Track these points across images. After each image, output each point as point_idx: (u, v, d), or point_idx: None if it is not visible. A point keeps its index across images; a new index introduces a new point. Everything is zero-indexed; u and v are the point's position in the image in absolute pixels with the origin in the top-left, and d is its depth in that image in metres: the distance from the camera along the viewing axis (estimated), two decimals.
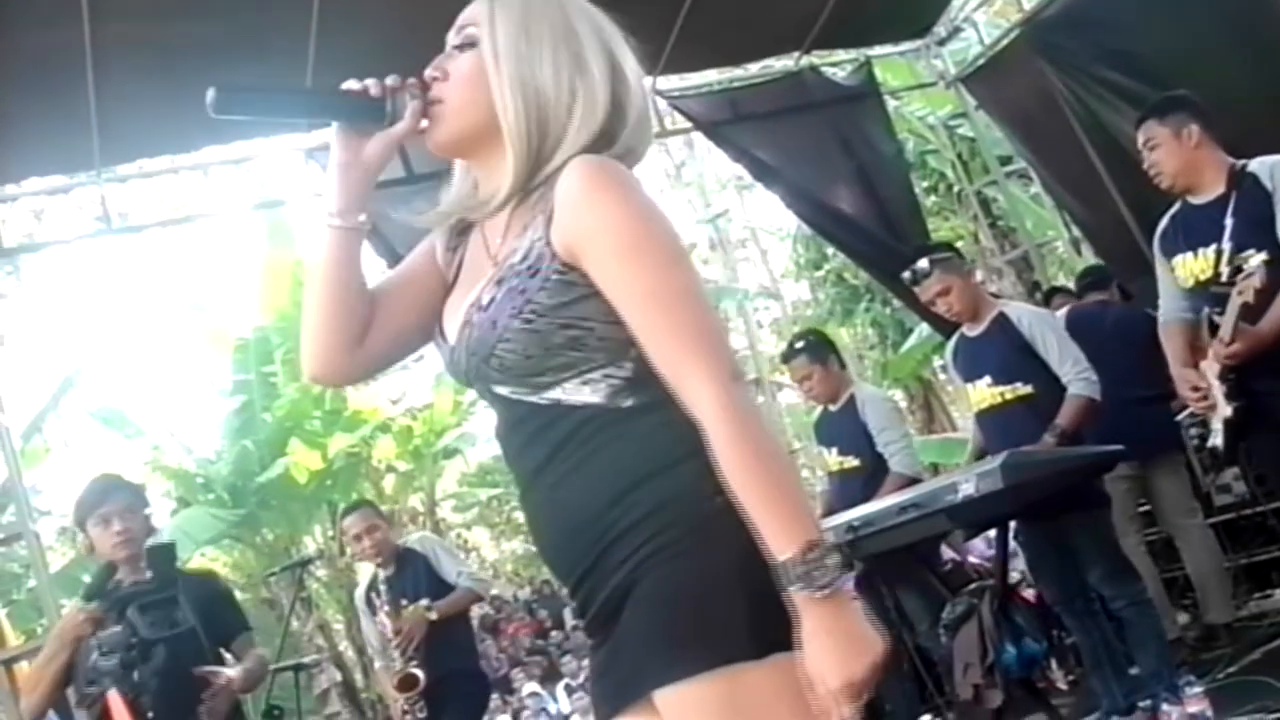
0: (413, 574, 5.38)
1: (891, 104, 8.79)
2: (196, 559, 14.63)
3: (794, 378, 5.70)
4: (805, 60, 7.97)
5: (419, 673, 5.04)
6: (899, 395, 16.01)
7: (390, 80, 1.62)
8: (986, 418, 4.53)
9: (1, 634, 5.91)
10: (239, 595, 15.08)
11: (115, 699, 3.46)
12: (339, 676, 14.77)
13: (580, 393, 1.54)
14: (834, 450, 5.33)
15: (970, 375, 4.58)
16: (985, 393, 4.50)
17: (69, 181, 6.45)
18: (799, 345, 5.48)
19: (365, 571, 6.39)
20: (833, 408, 5.38)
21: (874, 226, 7.84)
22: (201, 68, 5.69)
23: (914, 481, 4.88)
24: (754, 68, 8.12)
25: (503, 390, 1.59)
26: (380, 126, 1.62)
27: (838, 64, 8.25)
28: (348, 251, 1.67)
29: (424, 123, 1.64)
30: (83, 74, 5.50)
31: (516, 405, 1.59)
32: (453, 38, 1.66)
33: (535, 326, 1.52)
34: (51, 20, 5.25)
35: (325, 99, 1.65)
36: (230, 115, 1.54)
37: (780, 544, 1.41)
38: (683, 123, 7.90)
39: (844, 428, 5.27)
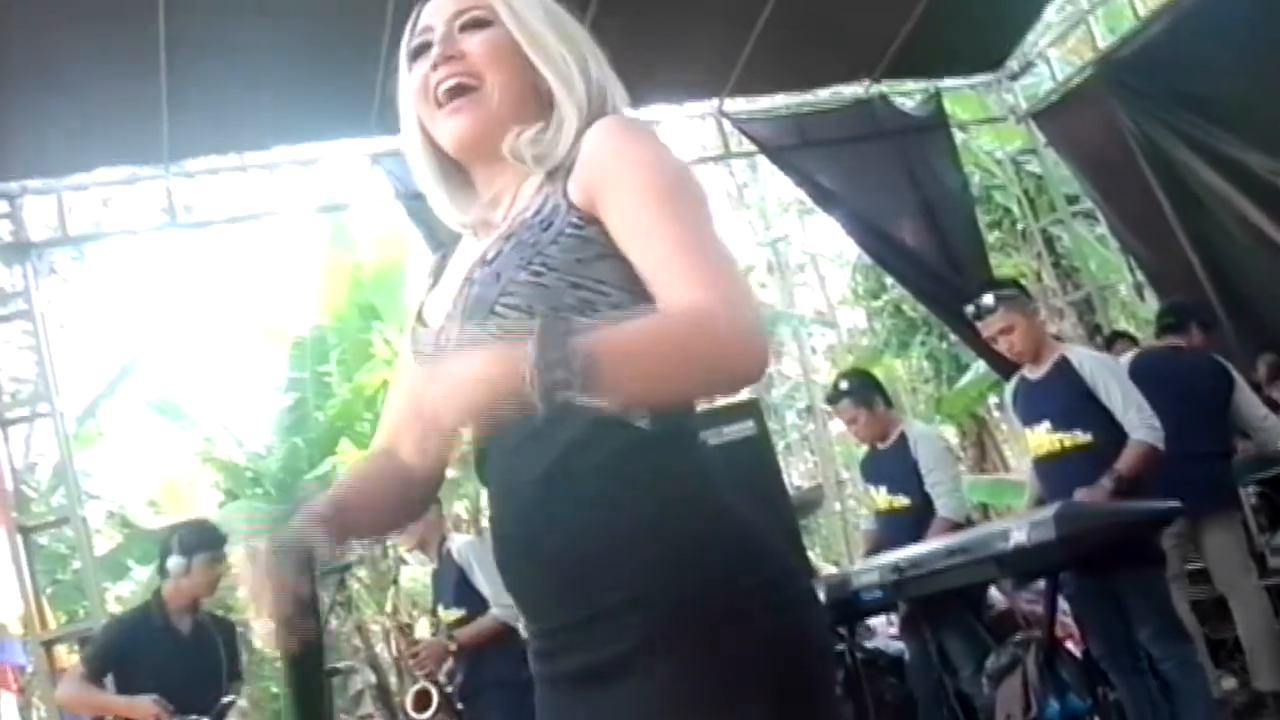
0: (449, 579, 5.34)
1: (959, 136, 8.71)
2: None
3: (841, 419, 5.63)
4: (875, 88, 7.93)
5: (433, 689, 5.01)
6: (951, 432, 15.84)
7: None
8: (1044, 464, 4.44)
9: (43, 616, 5.94)
10: None
11: None
12: (373, 679, 14.80)
13: None
14: (883, 489, 5.25)
15: (1030, 419, 4.50)
16: (1044, 438, 4.41)
17: (137, 173, 6.52)
18: (844, 387, 5.40)
19: (407, 574, 6.39)
20: (881, 445, 5.30)
21: (935, 259, 7.77)
22: (272, 70, 5.76)
23: (960, 525, 4.80)
24: (823, 93, 8.08)
25: None
26: None
27: (907, 94, 8.19)
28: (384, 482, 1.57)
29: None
30: (156, 70, 5.56)
31: None
32: (448, 24, 1.49)
33: (544, 281, 1.34)
34: (129, 16, 5.32)
35: None
36: None
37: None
38: (747, 145, 7.88)
39: (894, 466, 5.19)
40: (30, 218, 6.48)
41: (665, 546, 1.30)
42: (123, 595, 14.32)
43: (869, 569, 4.43)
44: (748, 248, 20.85)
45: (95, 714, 4.51)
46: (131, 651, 4.45)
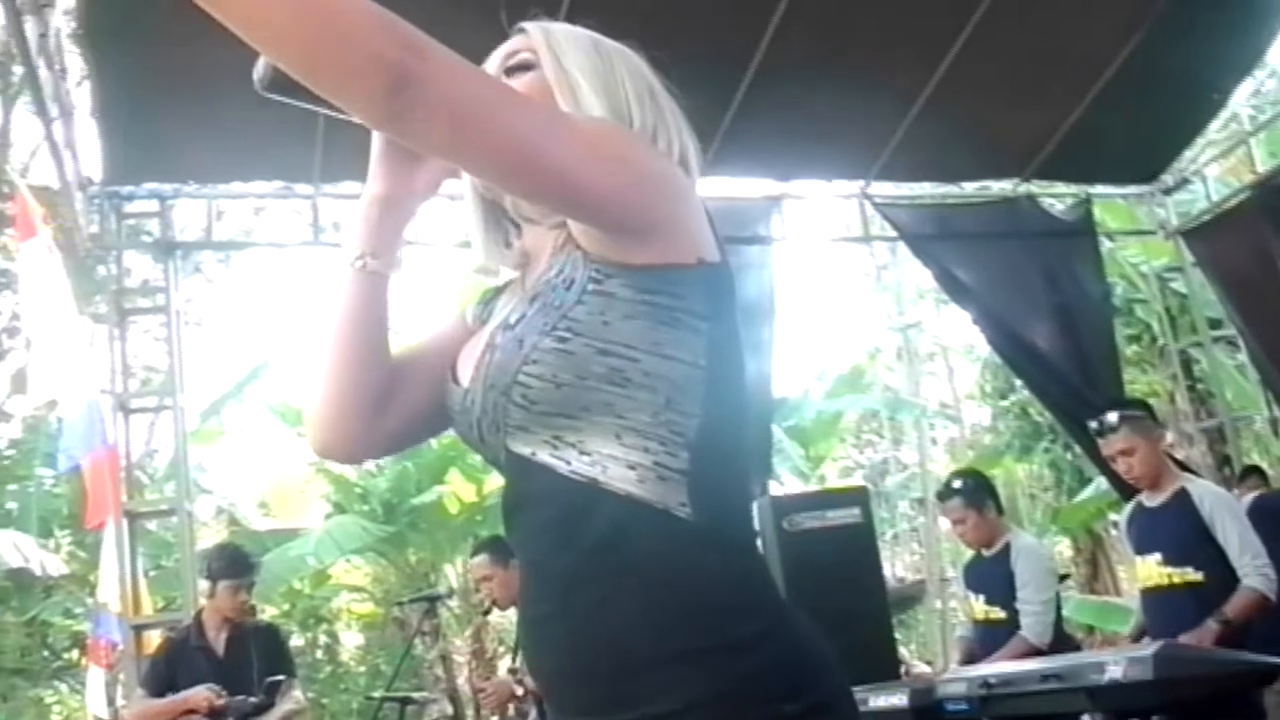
0: None
1: (1106, 245, 8.52)
2: (341, 565, 14.99)
3: (948, 519, 5.50)
4: (1024, 188, 7.82)
5: None
6: (1065, 545, 15.41)
7: None
8: (1151, 597, 4.29)
9: (138, 600, 6.10)
10: (373, 609, 15.39)
11: None
12: (450, 710, 14.84)
13: (624, 478, 1.24)
14: (981, 598, 5.10)
15: (1142, 548, 4.35)
16: (1154, 570, 4.25)
17: (287, 189, 6.71)
18: (956, 485, 5.28)
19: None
20: (986, 552, 5.16)
21: (1067, 367, 7.60)
22: None
23: (1039, 651, 4.64)
24: (969, 186, 8.00)
25: (522, 448, 1.30)
26: None
27: (1057, 196, 8.06)
28: (374, 300, 1.40)
29: None
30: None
31: (537, 473, 1.28)
32: (499, 69, 1.43)
33: (570, 347, 1.25)
34: None
35: None
36: (278, 95, 1.33)
37: None
38: (889, 229, 7.83)
39: (995, 576, 5.04)
40: (181, 218, 6.75)
41: (700, 663, 1.21)
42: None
43: (957, 679, 4.30)
44: (879, 330, 20.69)
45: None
46: (175, 671, 4.86)
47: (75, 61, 5.21)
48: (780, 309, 7.46)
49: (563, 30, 1.44)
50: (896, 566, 21.04)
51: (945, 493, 5.33)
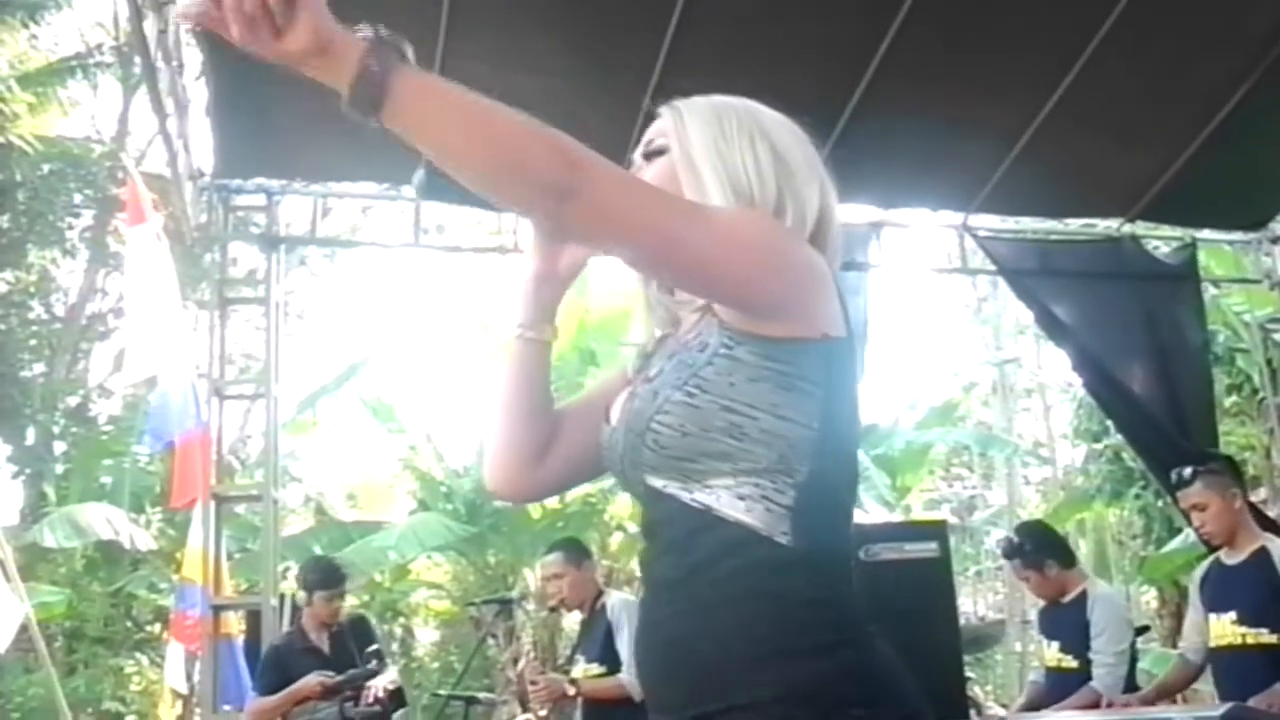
0: (597, 633, 5.37)
1: (1209, 291, 8.34)
2: (422, 561, 15.18)
3: (1015, 575, 5.45)
4: (1127, 228, 7.68)
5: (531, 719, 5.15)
6: (1151, 595, 15.05)
7: None
8: (1222, 656, 4.21)
9: (219, 581, 6.25)
10: (450, 606, 15.56)
11: None
12: (519, 711, 14.94)
13: (734, 506, 1.42)
14: (1055, 644, 5.05)
15: (1216, 606, 4.27)
16: (1227, 629, 4.18)
17: (390, 190, 6.84)
18: (1016, 542, 5.23)
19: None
20: (1063, 599, 5.08)
21: (1161, 413, 7.44)
22: (531, 114, 5.98)
23: (1108, 703, 4.56)
24: (1072, 224, 7.88)
25: (655, 480, 1.48)
26: None
27: (1162, 238, 7.90)
28: (535, 364, 1.65)
29: None
30: None
31: (665, 501, 1.47)
32: (638, 156, 1.62)
33: (696, 402, 1.43)
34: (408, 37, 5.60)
35: None
36: (436, 198, 1.60)
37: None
38: (988, 262, 7.74)
39: (1069, 624, 4.97)
40: (290, 212, 6.91)
41: (782, 664, 1.36)
42: None
43: None
44: (975, 364, 20.43)
45: (278, 713, 5.32)
46: (287, 671, 5.27)
47: (192, 56, 5.37)
48: (874, 335, 7.42)
49: (693, 110, 1.59)
50: (979, 604, 20.73)
51: (1008, 550, 5.29)
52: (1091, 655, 4.81)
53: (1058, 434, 19.30)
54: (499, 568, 15.19)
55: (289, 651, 5.41)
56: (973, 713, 13.62)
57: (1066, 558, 5.21)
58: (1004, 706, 14.20)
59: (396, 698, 5.32)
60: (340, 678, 5.03)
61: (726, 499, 1.42)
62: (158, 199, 7.14)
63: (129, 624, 14.01)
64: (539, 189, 1.30)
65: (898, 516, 19.11)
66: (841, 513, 1.51)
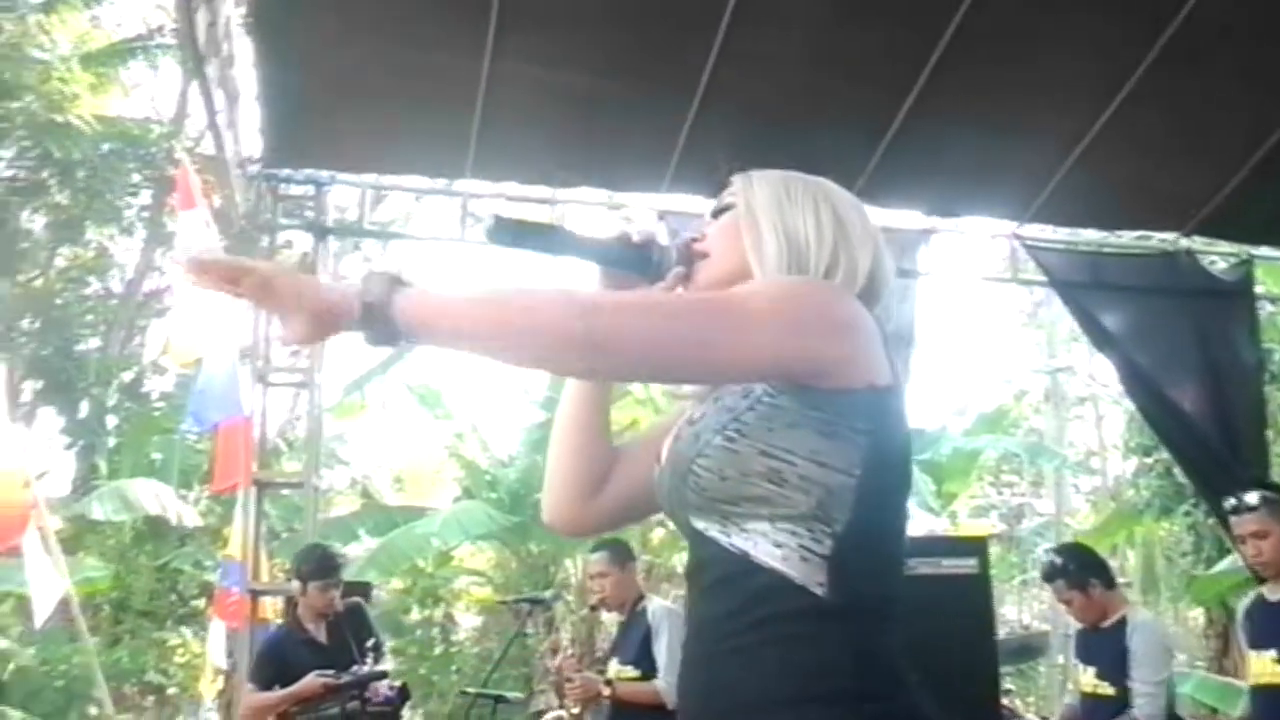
0: (635, 637, 5.34)
1: (1265, 309, 8.19)
2: (465, 547, 15.25)
3: (1057, 598, 5.36)
4: (1183, 242, 7.56)
5: (563, 715, 5.13)
6: (1199, 614, 14.81)
7: (655, 231, 1.68)
8: (1263, 694, 4.13)
9: (258, 566, 6.31)
10: (491, 594, 15.63)
11: None
12: (556, 703, 15.01)
13: (771, 554, 1.45)
14: (1091, 670, 4.94)
15: (1259, 643, 4.18)
16: (1270, 667, 4.09)
17: (446, 185, 6.86)
18: (1058, 563, 5.14)
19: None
20: (1103, 624, 4.99)
21: (1211, 433, 7.31)
22: (582, 113, 5.98)
23: None
24: (1125, 236, 7.76)
25: (698, 522, 1.52)
26: (643, 277, 1.64)
27: (1217, 254, 7.76)
28: (593, 401, 1.70)
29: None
30: (473, 99, 5.85)
31: (706, 544, 1.51)
32: (712, 211, 1.71)
33: (736, 447, 1.46)
34: (458, 48, 5.62)
35: (592, 243, 1.67)
36: (504, 244, 1.61)
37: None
38: (1038, 272, 7.64)
39: (1107, 650, 4.87)
40: (344, 198, 6.96)
41: (806, 710, 1.40)
42: (352, 554, 15.08)
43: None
44: (1028, 372, 20.22)
45: (277, 711, 5.20)
46: (285, 663, 5.13)
47: (243, 45, 5.41)
48: (921, 339, 7.37)
49: (762, 176, 1.67)
50: (1025, 614, 20.54)
51: (1049, 572, 5.20)
52: (1132, 684, 4.70)
53: (1110, 444, 19.07)
54: (541, 557, 15.23)
55: (286, 643, 5.30)
56: None
57: (1109, 578, 5.12)
58: (1044, 719, 14.09)
59: (403, 693, 5.28)
60: (345, 679, 4.92)
61: (764, 546, 1.45)
62: (212, 182, 7.20)
63: (174, 598, 14.19)
64: (565, 346, 1.37)
65: (944, 523, 18.99)
66: (884, 563, 1.52)
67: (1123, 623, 4.88)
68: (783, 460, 1.44)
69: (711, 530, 1.50)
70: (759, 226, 1.59)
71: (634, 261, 1.64)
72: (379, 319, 1.35)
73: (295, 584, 5.48)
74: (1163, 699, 4.73)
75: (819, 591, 1.42)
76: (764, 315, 1.43)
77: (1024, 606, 20.61)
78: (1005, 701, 13.44)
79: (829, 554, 1.44)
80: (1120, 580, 17.40)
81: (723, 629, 1.48)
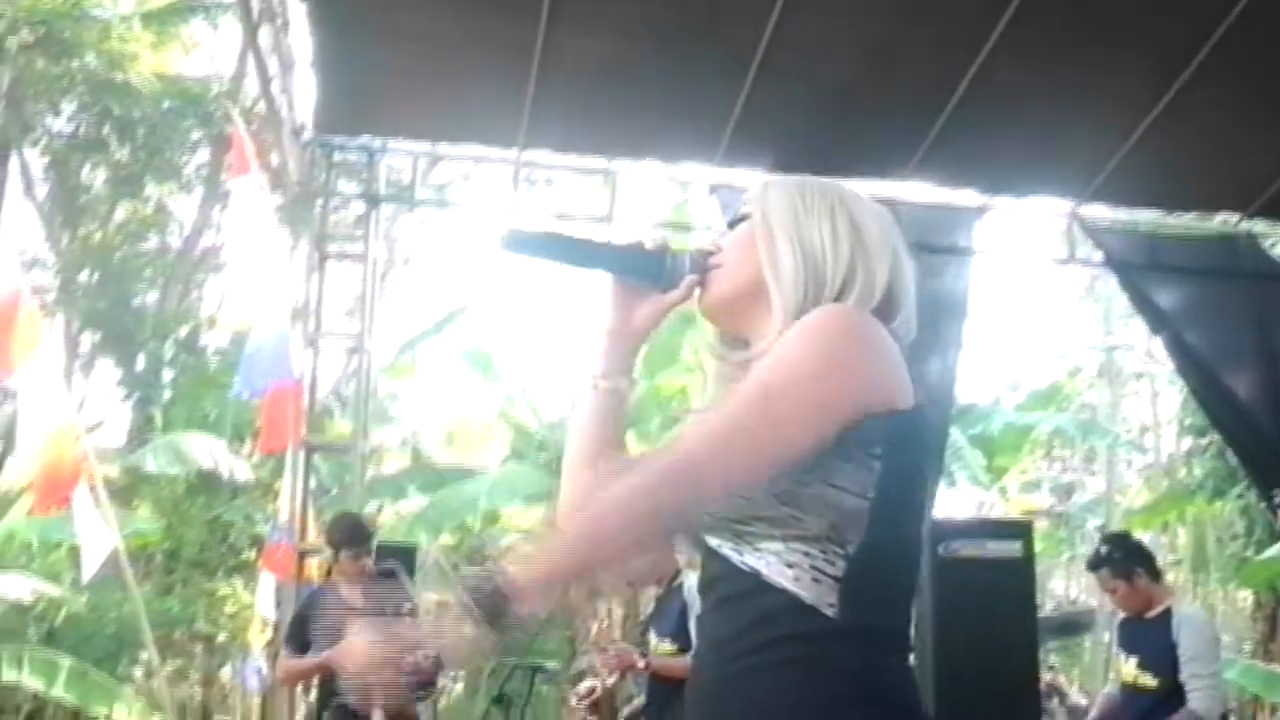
0: (672, 611, 5.36)
1: None
2: (514, 507, 15.35)
3: (1102, 586, 5.29)
4: (1244, 225, 7.42)
5: (599, 687, 5.16)
6: (1247, 596, 14.64)
7: (668, 239, 1.64)
8: None
9: (305, 526, 6.39)
10: None
11: None
12: (598, 667, 15.13)
13: (782, 574, 1.43)
14: (1133, 660, 4.87)
15: None
16: None
17: (486, 154, 6.87)
18: (1104, 553, 5.06)
19: None
20: (1147, 614, 4.92)
21: (1265, 420, 7.21)
22: (637, 85, 5.96)
23: None
24: (1186, 218, 7.64)
25: (711, 539, 1.51)
26: (655, 285, 1.63)
27: None
28: (609, 414, 1.67)
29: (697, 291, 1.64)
30: (528, 68, 5.84)
31: (718, 560, 1.50)
32: (730, 221, 1.67)
33: None
34: (513, 16, 5.62)
35: (606, 249, 1.66)
36: (518, 254, 1.62)
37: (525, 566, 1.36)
38: (1095, 252, 7.54)
39: (1152, 641, 4.79)
40: (399, 161, 6.97)
41: None
42: (401, 511, 15.26)
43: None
44: (1083, 348, 19.99)
45: (312, 676, 5.38)
46: (321, 626, 5.08)
47: (298, 10, 5.42)
48: (975, 311, 7.33)
49: (779, 185, 1.64)
50: (1072, 589, 20.43)
51: (1095, 561, 5.13)
52: (1186, 679, 4.61)
53: (1164, 420, 18.85)
54: None
55: (321, 607, 5.25)
56: (1055, 701, 13.46)
57: (1155, 569, 5.05)
58: (1088, 695, 14.02)
59: (438, 661, 5.25)
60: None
61: (775, 565, 1.44)
62: (271, 141, 7.20)
63: (224, 549, 14.39)
64: (653, 524, 1.39)
65: (993, 496, 18.87)
66: (895, 588, 1.51)
67: (1167, 614, 4.80)
68: (797, 481, 1.42)
69: (724, 548, 1.49)
70: (774, 239, 1.57)
71: (647, 269, 1.62)
72: (494, 612, 1.33)
73: (327, 551, 5.54)
74: (1220, 692, 4.66)
75: (830, 613, 1.41)
76: (808, 403, 1.42)
77: (1072, 582, 20.49)
78: (1049, 677, 13.47)
79: (841, 575, 1.43)
80: (1170, 558, 17.36)
81: (733, 648, 1.47)
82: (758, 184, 1.67)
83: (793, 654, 1.42)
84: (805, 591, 1.42)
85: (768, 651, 1.43)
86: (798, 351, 1.46)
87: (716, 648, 1.51)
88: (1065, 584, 20.81)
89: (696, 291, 1.63)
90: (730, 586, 1.48)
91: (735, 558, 1.47)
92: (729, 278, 1.60)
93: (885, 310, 1.54)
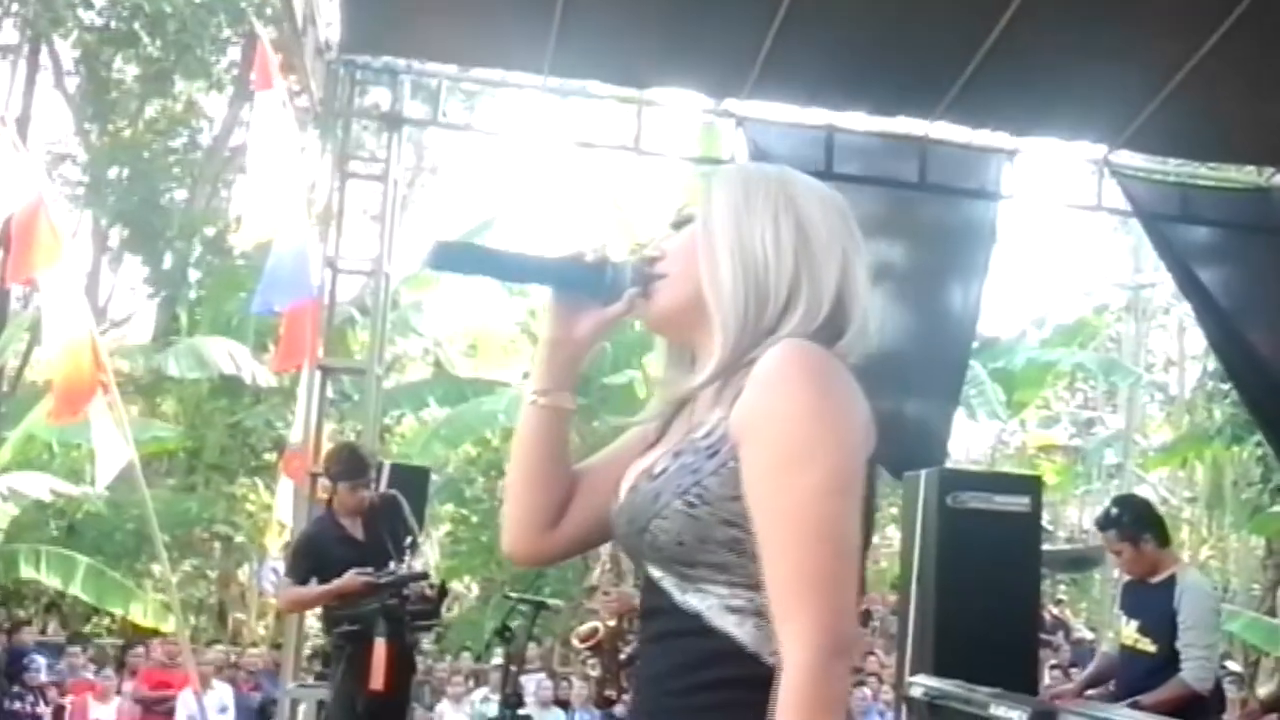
0: None
1: None
2: None
3: (1107, 547, 5.29)
4: (1278, 179, 7.31)
5: (599, 626, 5.20)
6: (1259, 543, 14.68)
7: (608, 250, 1.55)
8: None
9: (318, 448, 6.40)
10: None
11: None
12: (599, 609, 15.31)
13: (724, 619, 1.40)
14: (1134, 624, 4.88)
15: None
16: None
17: (509, 78, 6.80)
18: (1113, 514, 5.05)
19: None
20: (1152, 579, 4.93)
21: None
22: (665, 18, 5.91)
23: (1199, 697, 4.46)
24: (1219, 170, 7.53)
25: (654, 571, 1.46)
26: (595, 298, 1.55)
27: None
28: (551, 431, 1.59)
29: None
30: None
31: (660, 594, 1.45)
32: (673, 219, 1.58)
33: (696, 513, 1.40)
34: None
35: (542, 263, 1.59)
36: (446, 270, 1.58)
37: None
38: (1123, 200, 7.44)
39: (1154, 607, 4.79)
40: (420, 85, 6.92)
41: None
42: (419, 424, 15.37)
43: (1085, 713, 4.18)
44: (1110, 286, 19.83)
45: (316, 606, 5.34)
46: (321, 557, 5.06)
47: None
48: (1002, 238, 7.36)
49: (723, 178, 1.56)
50: (1085, 519, 20.52)
51: (1103, 521, 5.12)
52: (1182, 647, 4.63)
53: (1190, 354, 18.75)
54: (605, 441, 15.36)
55: (323, 540, 5.20)
56: (1060, 634, 13.55)
57: (1163, 535, 5.04)
58: (1093, 630, 14.13)
59: (441, 592, 5.23)
60: (386, 579, 4.84)
61: (718, 609, 1.41)
62: (295, 59, 7.14)
63: (246, 451, 14.56)
64: (840, 683, 1.34)
65: (1011, 427, 18.85)
66: None
67: (1171, 581, 4.79)
68: (743, 529, 1.38)
69: (665, 581, 1.44)
70: (715, 249, 1.48)
71: (587, 282, 1.54)
72: None
73: (325, 484, 5.48)
74: (1213, 663, 4.68)
75: (771, 661, 1.36)
76: (837, 500, 1.37)
77: (1085, 513, 20.58)
78: (1055, 611, 13.57)
79: None
80: (1186, 494, 17.39)
81: (672, 684, 1.44)
82: (702, 176, 1.60)
83: (732, 699, 1.39)
84: (746, 638, 1.39)
85: (708, 693, 1.41)
86: (801, 410, 1.39)
87: (655, 682, 1.48)
88: (1079, 514, 20.91)
89: (641, 309, 1.55)
90: (671, 623, 1.44)
91: (677, 595, 1.43)
92: (670, 292, 1.52)
93: (836, 318, 1.47)
